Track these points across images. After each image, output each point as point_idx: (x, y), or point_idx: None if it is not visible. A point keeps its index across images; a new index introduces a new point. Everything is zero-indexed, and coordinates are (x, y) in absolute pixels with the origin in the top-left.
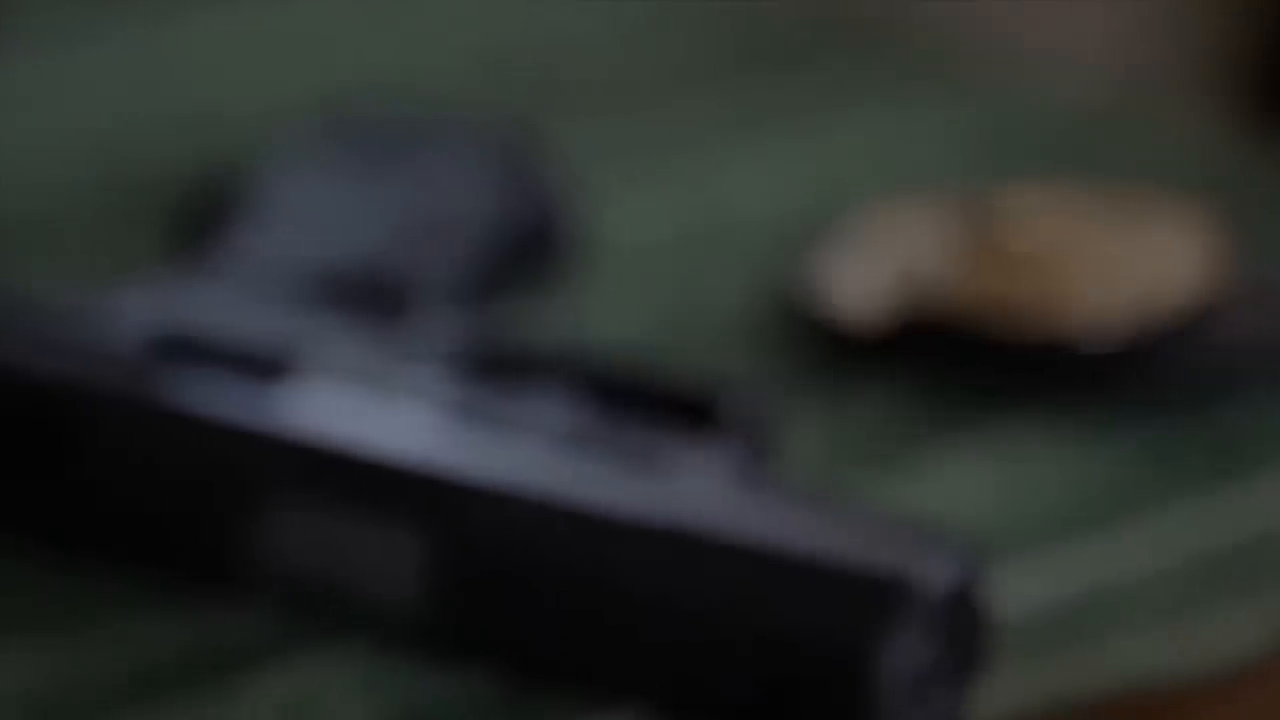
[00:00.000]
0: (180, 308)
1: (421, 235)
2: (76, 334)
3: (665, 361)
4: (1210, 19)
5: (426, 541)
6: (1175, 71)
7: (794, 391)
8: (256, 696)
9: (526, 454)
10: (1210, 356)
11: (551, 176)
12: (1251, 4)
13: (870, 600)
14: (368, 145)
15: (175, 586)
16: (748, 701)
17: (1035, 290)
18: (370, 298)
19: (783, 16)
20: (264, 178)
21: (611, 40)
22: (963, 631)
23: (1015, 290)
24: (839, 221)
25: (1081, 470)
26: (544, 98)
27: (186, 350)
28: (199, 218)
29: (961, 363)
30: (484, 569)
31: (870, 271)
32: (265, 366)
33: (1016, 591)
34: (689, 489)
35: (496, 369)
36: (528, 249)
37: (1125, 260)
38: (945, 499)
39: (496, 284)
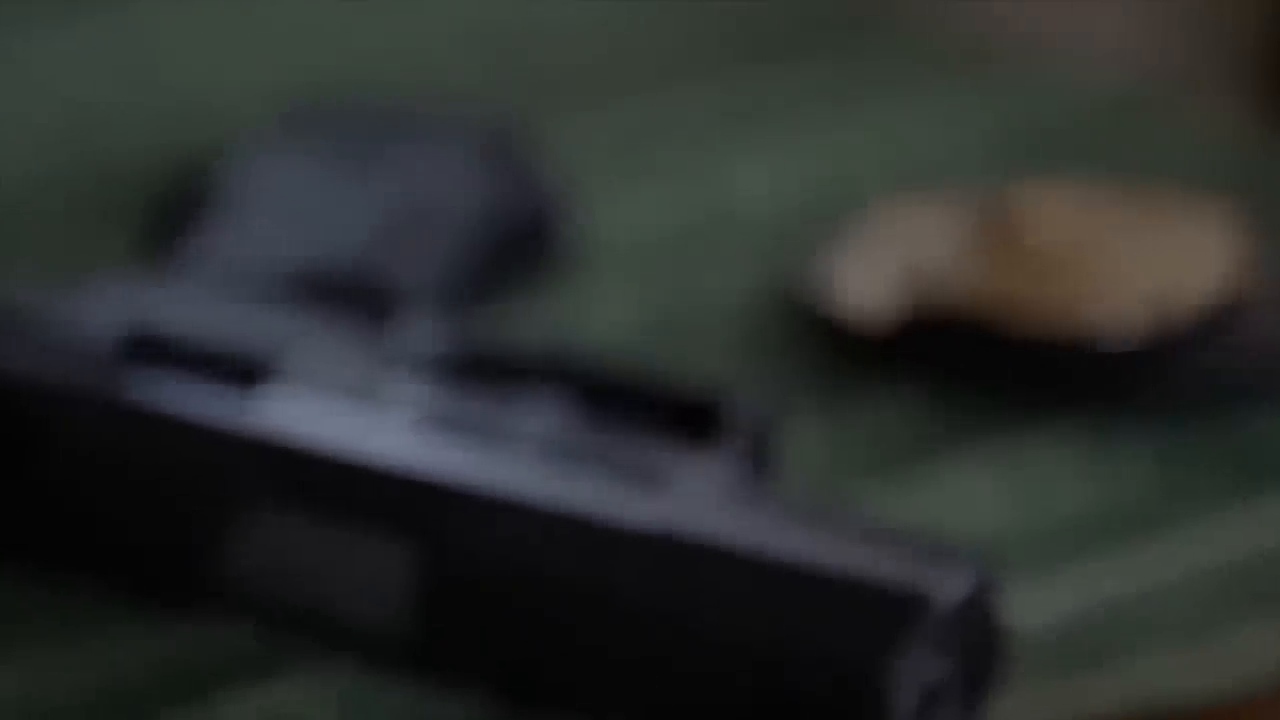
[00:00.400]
0: (152, 307)
1: (406, 232)
2: (41, 334)
3: (663, 364)
4: (1235, 13)
5: (412, 553)
6: (1199, 67)
7: (797, 396)
8: (232, 716)
9: (518, 463)
10: (1232, 359)
11: (544, 170)
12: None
13: (882, 614)
14: (348, 136)
15: (147, 600)
16: None
17: (1051, 288)
18: (352, 298)
19: (787, 7)
20: (238, 171)
21: (608, 30)
22: (977, 647)
23: (1030, 288)
24: (846, 218)
25: (1096, 480)
26: (537, 89)
27: (158, 352)
28: (172, 212)
29: (973, 362)
30: (473, 583)
31: (877, 269)
32: (242, 370)
33: (1029, 607)
34: (690, 499)
35: (486, 374)
36: (519, 246)
37: (1145, 259)
38: (953, 510)
39: (486, 283)
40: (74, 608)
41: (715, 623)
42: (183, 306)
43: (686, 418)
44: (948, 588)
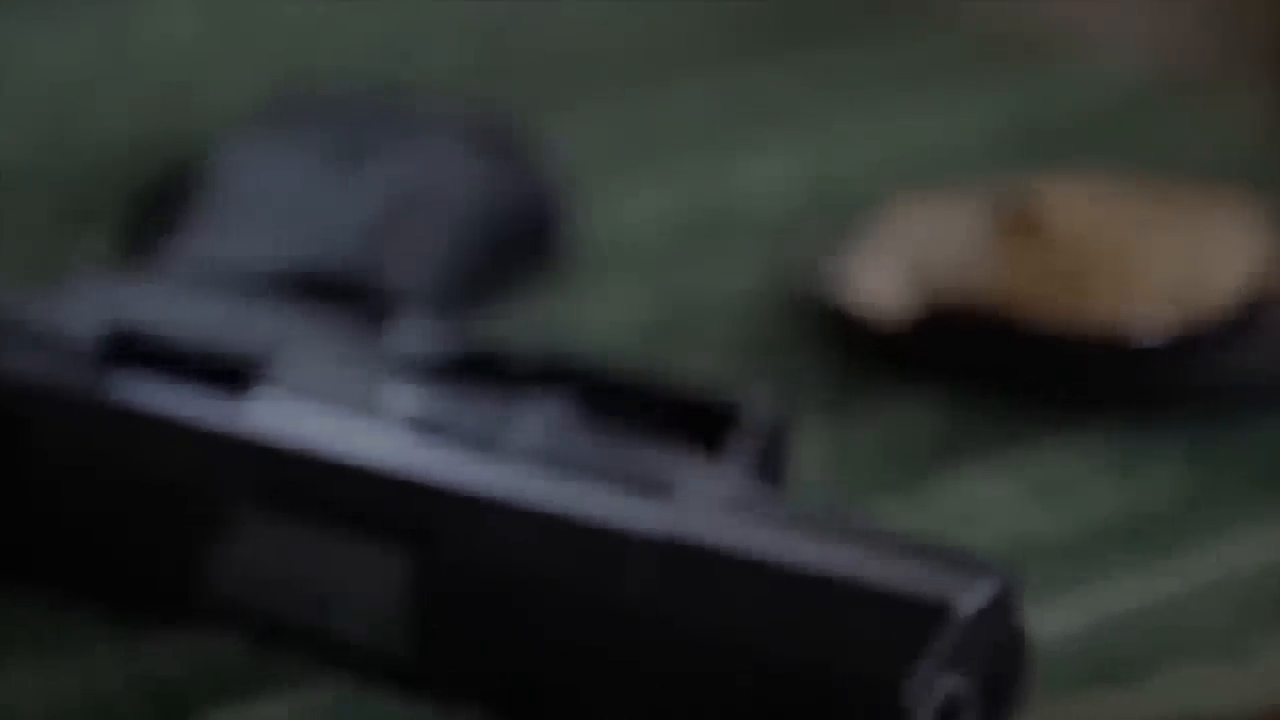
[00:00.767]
0: (135, 306)
1: (401, 228)
2: (19, 334)
3: (668, 365)
4: (1262, 5)
5: (406, 562)
6: (1224, 59)
7: (807, 398)
8: None
9: (517, 468)
10: (1260, 358)
11: (544, 164)
12: None
13: (901, 625)
14: (339, 127)
15: (130, 613)
16: None
17: (1072, 284)
18: (344, 296)
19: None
20: (224, 164)
21: (607, 23)
22: (999, 659)
23: (1050, 284)
24: (857, 214)
25: (1120, 486)
26: (533, 83)
27: (142, 352)
28: (155, 207)
29: (990, 359)
30: (471, 593)
31: (892, 265)
32: (229, 370)
33: (1052, 617)
34: (698, 506)
35: (484, 375)
36: (520, 243)
37: (1169, 254)
38: (972, 517)
39: (484, 281)
40: (53, 622)
41: (725, 635)
42: (167, 305)
43: (693, 421)
44: (969, 597)
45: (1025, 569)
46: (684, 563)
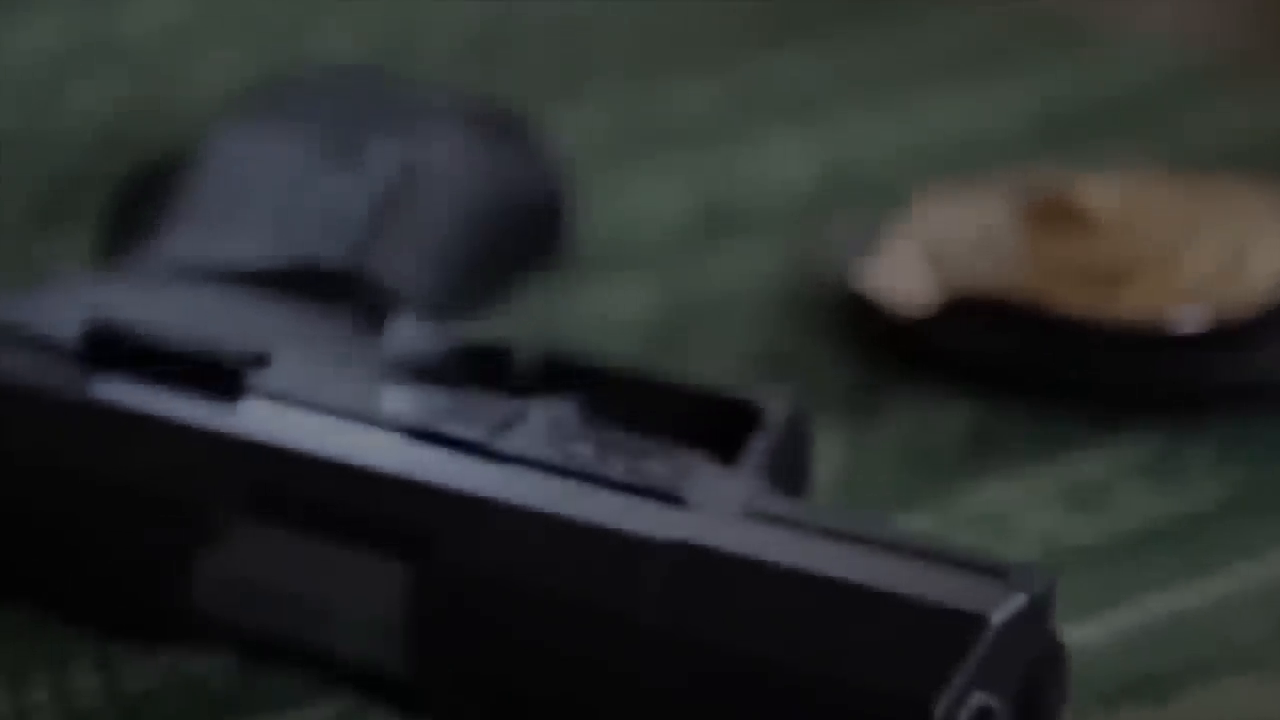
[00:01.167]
0: (119, 305)
1: (400, 222)
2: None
3: (680, 366)
4: None
5: (405, 572)
6: (1270, 44)
7: (827, 399)
8: None
9: (522, 472)
10: None
11: (551, 154)
12: None
13: (931, 637)
14: (332, 113)
15: (113, 629)
16: None
17: (1106, 275)
18: (340, 294)
19: None
20: (210, 155)
21: (622, 11)
22: (1034, 675)
23: (1079, 276)
24: (881, 206)
25: (1156, 490)
26: (537, 75)
27: (126, 352)
28: (140, 201)
29: (1021, 352)
30: (474, 605)
31: (917, 256)
32: (218, 371)
33: (1087, 628)
34: (714, 511)
35: (487, 376)
36: (525, 239)
37: (1207, 245)
38: (998, 527)
39: (487, 278)
40: (29, 637)
41: (743, 649)
42: (153, 303)
43: (707, 422)
44: (1002, 607)
45: (1059, 577)
46: (699, 572)
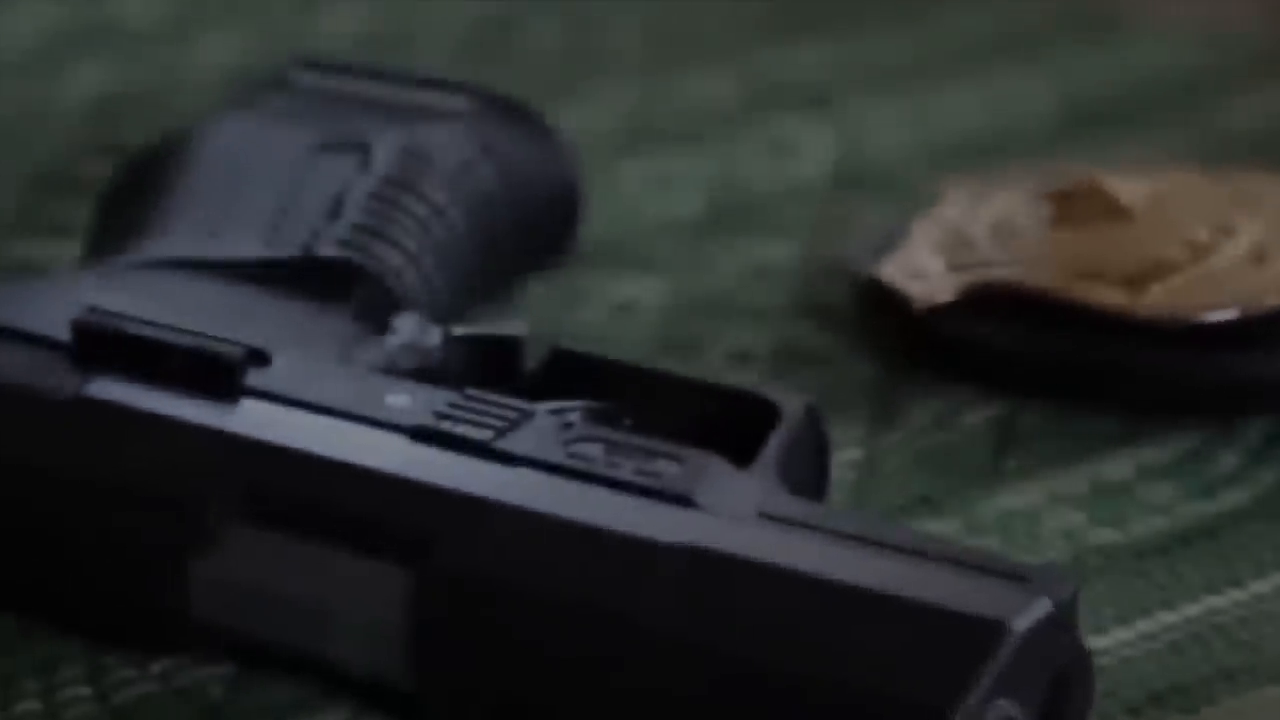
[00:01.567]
0: (110, 301)
1: (402, 215)
2: None
3: (692, 363)
4: None
5: (406, 577)
6: None
7: (844, 398)
8: None
9: (528, 474)
10: None
11: (562, 149)
12: None
13: (950, 645)
14: (333, 100)
15: (101, 636)
16: None
17: (1134, 269)
18: (339, 287)
19: None
20: (205, 144)
21: (633, 4)
22: (1057, 684)
23: (1111, 269)
24: (902, 199)
25: (1183, 497)
26: (551, 66)
27: (119, 352)
28: (131, 195)
29: (1044, 346)
30: (477, 611)
31: (939, 247)
32: (213, 372)
33: (1113, 635)
34: (728, 517)
35: (491, 373)
36: (535, 233)
37: (1237, 239)
38: (1019, 531)
39: (497, 272)
40: (20, 646)
41: (756, 657)
42: (147, 299)
43: (721, 421)
44: (1023, 614)
45: (1083, 582)
46: (711, 578)
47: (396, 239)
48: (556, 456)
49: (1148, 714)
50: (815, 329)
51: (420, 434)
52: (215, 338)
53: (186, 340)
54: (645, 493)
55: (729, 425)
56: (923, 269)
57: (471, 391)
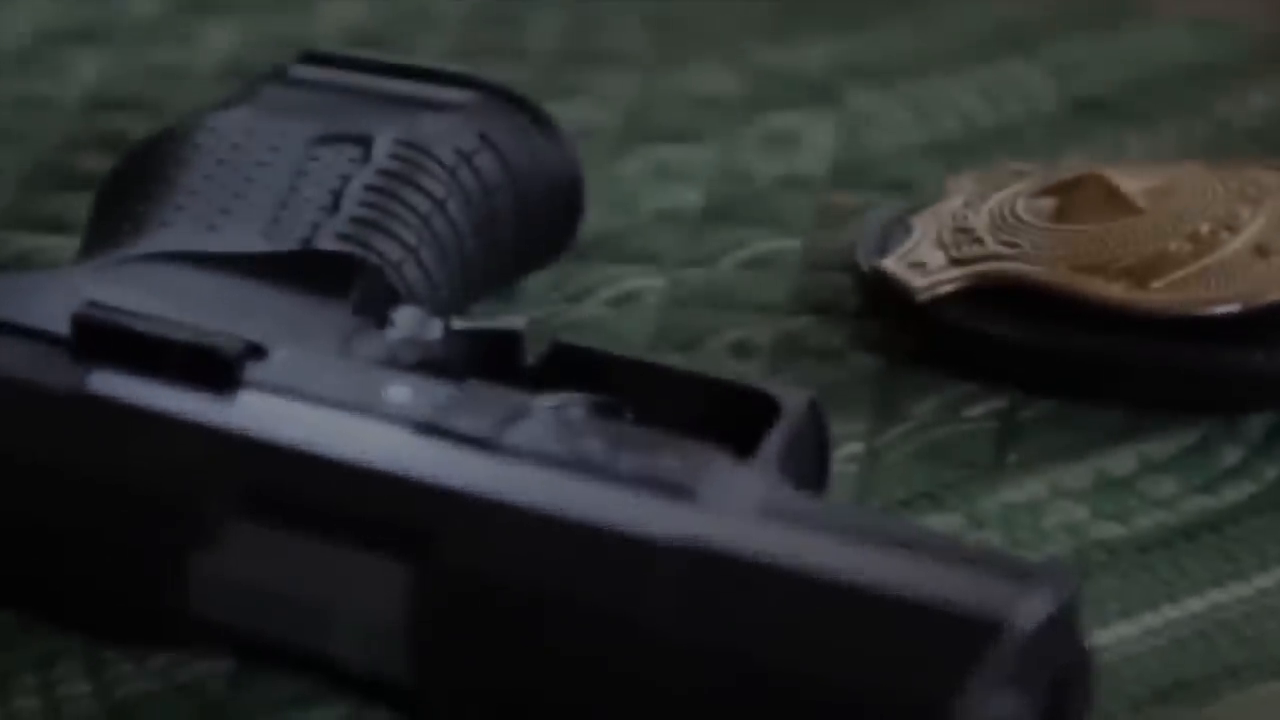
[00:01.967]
0: (109, 295)
1: (406, 206)
2: None
3: (692, 358)
4: None
5: (406, 573)
6: None
7: (845, 393)
8: None
9: (529, 469)
10: None
11: (563, 143)
12: None
13: (949, 642)
14: (337, 100)
15: (101, 632)
16: None
17: (1137, 262)
18: (339, 281)
19: None
20: (208, 141)
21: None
22: (1058, 679)
23: (1115, 262)
24: (903, 194)
25: (1186, 491)
26: (550, 61)
27: (118, 346)
28: (129, 189)
29: (1048, 340)
30: (478, 607)
31: (941, 239)
32: (213, 366)
33: (1116, 632)
34: (729, 512)
35: (492, 370)
36: (539, 225)
37: (1242, 231)
38: (1022, 526)
39: (498, 265)
40: (19, 643)
41: (757, 654)
42: (145, 293)
43: (720, 417)
44: (1025, 611)
45: (1085, 579)
46: (712, 574)
47: (396, 232)
48: (557, 450)
49: (1151, 710)
50: (816, 322)
51: (421, 428)
52: (215, 332)
53: (186, 334)
54: (646, 487)
55: (730, 419)
56: (925, 262)
57: (472, 385)
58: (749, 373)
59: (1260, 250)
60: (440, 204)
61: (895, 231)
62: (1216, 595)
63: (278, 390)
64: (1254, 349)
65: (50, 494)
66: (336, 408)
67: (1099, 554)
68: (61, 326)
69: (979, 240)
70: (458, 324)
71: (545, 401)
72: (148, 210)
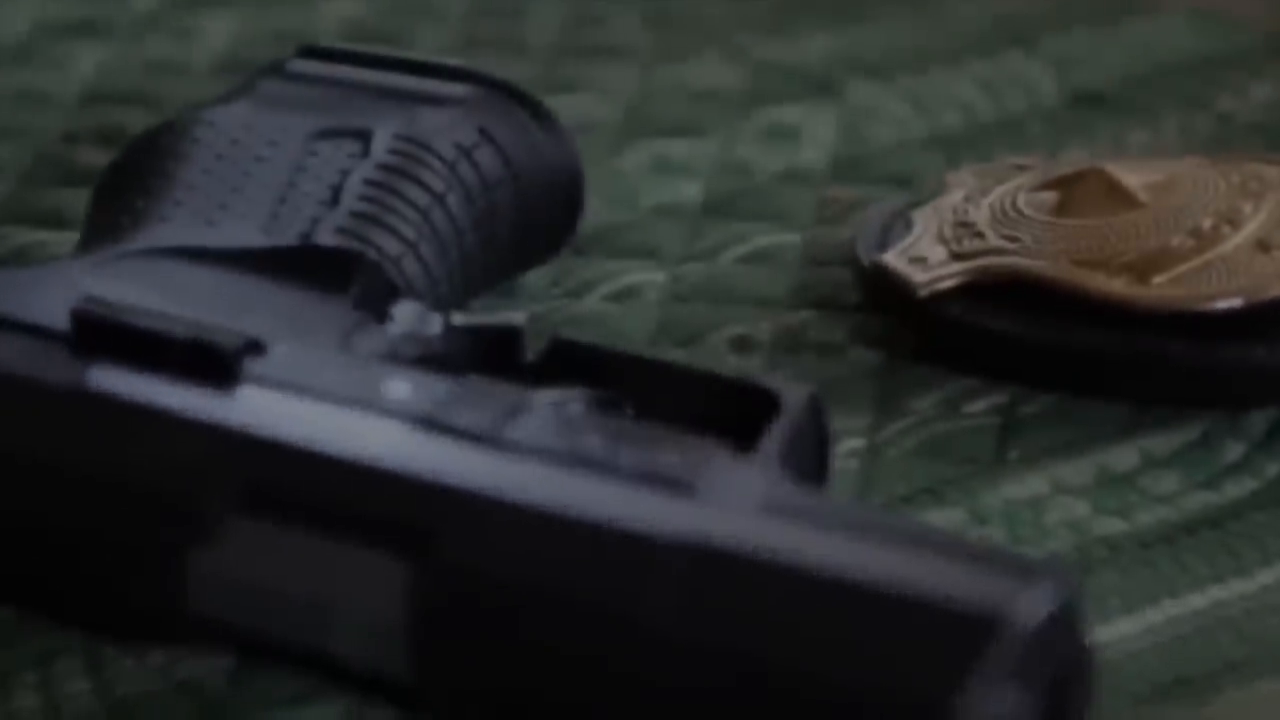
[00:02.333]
0: (107, 289)
1: (406, 201)
2: None
3: (692, 353)
4: None
5: (406, 570)
6: None
7: (845, 389)
8: None
9: (528, 465)
10: None
11: (562, 138)
12: None
13: (949, 640)
14: (337, 95)
15: (99, 629)
16: None
17: (1138, 257)
18: (338, 275)
19: None
20: (207, 135)
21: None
22: (1059, 676)
23: (1115, 257)
24: (904, 189)
25: (1188, 486)
26: (548, 56)
27: (115, 341)
28: (127, 182)
29: (1048, 334)
30: (478, 604)
31: (941, 234)
32: (212, 361)
33: (1118, 629)
34: (730, 508)
35: (492, 366)
36: (539, 220)
37: (1244, 226)
38: (1022, 522)
39: (498, 260)
40: (17, 640)
41: (755, 649)
42: (142, 288)
43: (721, 412)
44: (1026, 608)
45: (1087, 575)
46: (712, 570)
47: (395, 227)
48: (557, 446)
49: (1153, 706)
50: (817, 317)
51: (420, 423)
52: (214, 327)
53: (185, 330)
54: (647, 483)
55: (730, 414)
56: (925, 257)
57: (472, 380)
58: (749, 368)
59: (1262, 245)
60: (440, 199)
61: (896, 226)
62: (1218, 591)
63: (277, 386)
64: (1256, 344)
65: (48, 490)
66: (336, 403)
67: (1100, 550)
68: (60, 322)
69: (980, 235)
70: (457, 319)
71: (545, 397)
72: (146, 205)
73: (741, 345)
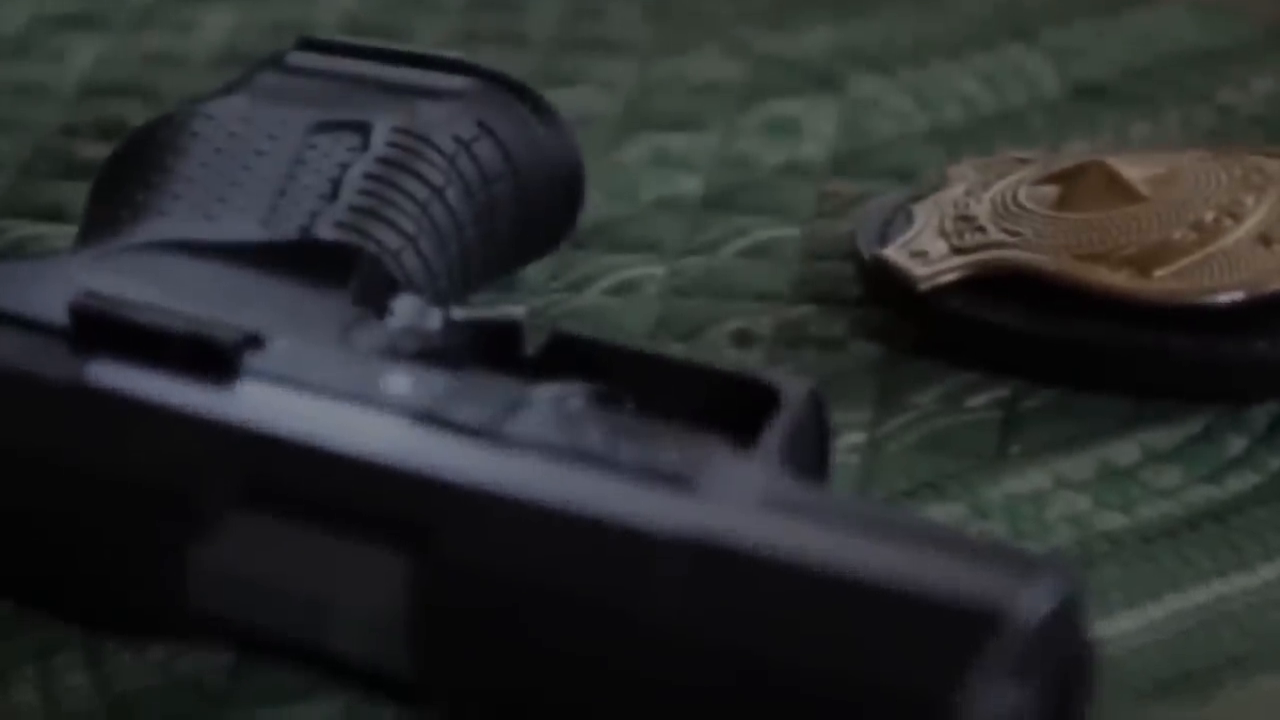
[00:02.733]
0: (105, 283)
1: (405, 195)
2: None
3: (692, 348)
4: None
5: (406, 565)
6: None
7: (846, 383)
8: None
9: (529, 460)
10: None
11: (562, 131)
12: None
13: (950, 635)
14: (336, 88)
15: (99, 624)
16: None
17: (1140, 250)
18: (337, 269)
19: None
20: (206, 129)
21: None
22: (1061, 672)
23: (1117, 250)
24: (904, 182)
25: (1190, 481)
26: (548, 49)
27: (114, 335)
28: (126, 176)
29: (1050, 328)
30: (478, 599)
31: (942, 228)
32: (211, 355)
33: (1120, 624)
34: (731, 503)
35: (491, 360)
36: (539, 214)
37: (1246, 219)
38: (1024, 517)
39: (497, 253)
40: (16, 635)
41: (755, 644)
42: (141, 283)
43: (721, 407)
44: (1027, 604)
45: (1089, 570)
46: (712, 565)
47: (395, 220)
48: (557, 440)
49: (1155, 701)
50: (818, 311)
51: (420, 418)
52: (213, 321)
53: (184, 324)
54: (647, 477)
55: (731, 409)
56: (926, 250)
57: (471, 375)
58: (750, 362)
59: (1264, 238)
60: (439, 192)
61: (896, 220)
62: (1220, 586)
63: (276, 380)
64: (1257, 338)
65: (47, 485)
66: (335, 398)
67: (1102, 545)
68: (58, 316)
69: (981, 229)
70: (457, 313)
71: (545, 391)
72: (145, 198)
73: (742, 339)
